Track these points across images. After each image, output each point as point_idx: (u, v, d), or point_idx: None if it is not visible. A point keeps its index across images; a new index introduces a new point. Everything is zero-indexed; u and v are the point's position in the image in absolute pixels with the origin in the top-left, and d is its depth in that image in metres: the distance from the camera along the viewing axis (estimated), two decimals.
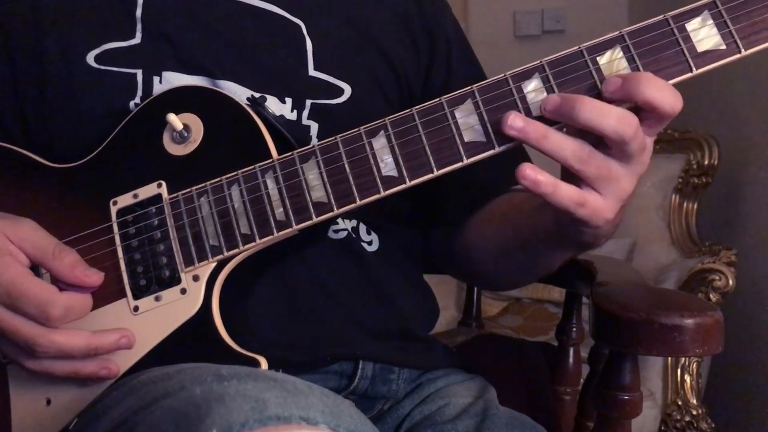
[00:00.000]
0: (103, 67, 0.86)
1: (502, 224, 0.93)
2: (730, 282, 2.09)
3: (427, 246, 1.05)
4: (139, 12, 0.88)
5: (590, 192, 0.70)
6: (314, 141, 0.89)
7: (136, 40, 0.87)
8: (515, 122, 0.69)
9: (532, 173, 0.68)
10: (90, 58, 0.86)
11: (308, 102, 0.90)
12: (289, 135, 0.81)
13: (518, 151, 0.71)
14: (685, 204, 2.47)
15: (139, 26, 0.87)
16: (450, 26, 1.04)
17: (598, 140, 0.69)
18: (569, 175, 0.71)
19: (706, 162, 2.41)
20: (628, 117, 0.67)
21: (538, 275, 0.98)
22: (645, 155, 0.70)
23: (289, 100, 0.89)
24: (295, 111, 0.89)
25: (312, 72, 0.91)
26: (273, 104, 0.87)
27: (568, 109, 0.68)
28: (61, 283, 0.75)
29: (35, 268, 0.76)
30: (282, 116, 0.88)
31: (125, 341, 0.75)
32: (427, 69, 1.00)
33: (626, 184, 0.70)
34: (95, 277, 0.76)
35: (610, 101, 0.68)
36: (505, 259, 0.95)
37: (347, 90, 0.92)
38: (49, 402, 0.77)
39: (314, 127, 0.90)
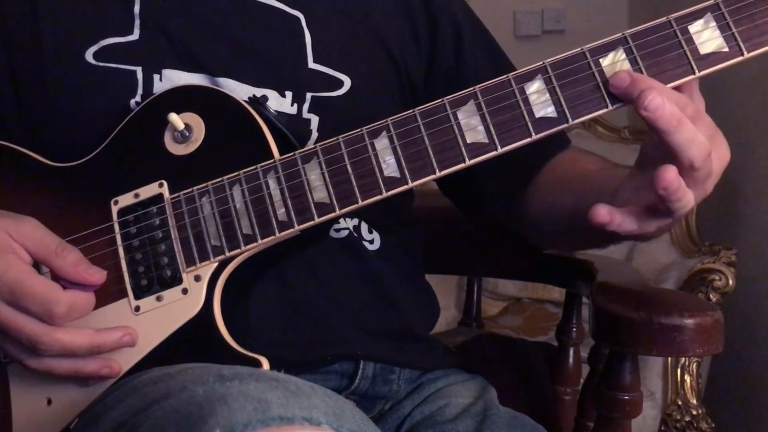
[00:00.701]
0: (102, 64, 0.86)
1: (562, 193, 0.91)
2: (730, 282, 2.09)
3: (489, 210, 1.03)
4: (137, 8, 0.88)
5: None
6: (315, 134, 0.89)
7: (134, 36, 0.87)
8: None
9: (607, 217, 0.69)
10: (89, 55, 0.86)
11: (308, 95, 0.89)
12: (289, 129, 0.81)
13: (520, 158, 0.71)
14: None
15: (137, 22, 0.87)
16: (459, 12, 1.03)
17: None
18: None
19: None
20: (705, 144, 0.67)
21: (592, 244, 0.96)
22: (710, 182, 0.71)
23: (289, 94, 0.89)
24: (295, 104, 0.89)
25: (311, 65, 0.91)
26: (273, 98, 0.87)
27: (671, 123, 0.66)
28: (64, 282, 0.75)
29: (37, 266, 0.75)
30: (284, 114, 0.88)
31: (128, 339, 0.75)
32: (430, 56, 0.99)
33: (715, 180, 0.72)
34: (98, 275, 0.76)
35: (617, 98, 0.69)
36: (565, 232, 0.94)
37: (347, 82, 0.92)
38: (49, 402, 0.77)
39: (315, 121, 0.89)
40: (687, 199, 0.68)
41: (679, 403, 2.11)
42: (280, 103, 0.88)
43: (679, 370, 2.12)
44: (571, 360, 1.11)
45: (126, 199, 0.79)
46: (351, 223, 0.92)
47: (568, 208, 0.87)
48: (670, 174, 0.66)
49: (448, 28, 1.00)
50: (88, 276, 0.75)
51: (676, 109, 0.67)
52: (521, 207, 0.98)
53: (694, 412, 2.11)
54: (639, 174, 0.74)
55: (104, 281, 0.76)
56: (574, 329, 1.11)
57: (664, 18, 0.71)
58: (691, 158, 0.67)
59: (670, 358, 2.07)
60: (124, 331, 0.75)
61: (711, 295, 2.09)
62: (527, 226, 1.00)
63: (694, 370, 2.12)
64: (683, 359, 2.09)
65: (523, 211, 0.98)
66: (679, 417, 2.11)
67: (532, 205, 0.96)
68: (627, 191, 0.74)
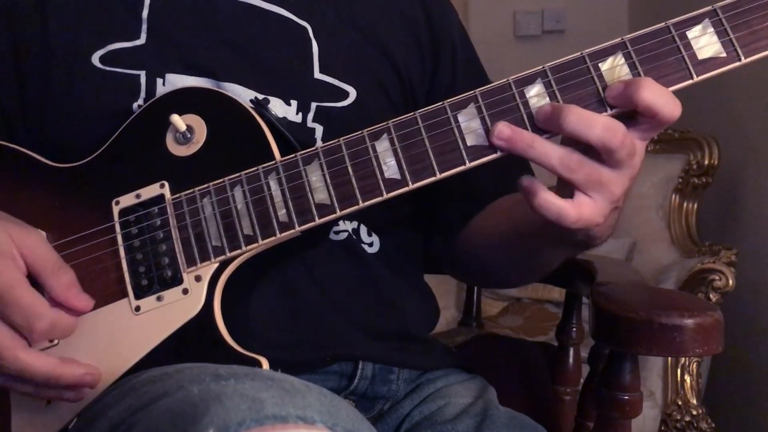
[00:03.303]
0: (107, 68, 0.86)
1: (501, 219, 0.93)
2: (730, 282, 2.09)
3: (428, 248, 1.05)
4: (145, 12, 0.88)
5: (579, 197, 0.70)
6: (319, 144, 0.89)
7: (141, 40, 0.87)
8: (502, 132, 0.70)
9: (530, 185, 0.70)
10: (95, 59, 0.86)
11: (313, 105, 0.90)
12: (293, 137, 0.81)
13: (518, 158, 0.72)
14: (685, 204, 2.47)
15: (144, 27, 0.88)
16: (456, 32, 1.04)
17: (588, 147, 0.69)
18: (563, 182, 0.71)
19: (706, 162, 2.42)
20: (613, 126, 0.67)
21: (538, 273, 0.98)
22: (636, 159, 0.70)
23: (294, 103, 0.89)
24: (300, 113, 0.89)
25: (317, 75, 0.91)
26: (278, 106, 0.88)
27: (556, 118, 0.69)
28: (52, 301, 0.74)
29: (32, 281, 0.75)
30: (286, 118, 0.88)
31: (89, 379, 0.74)
32: (431, 74, 1.00)
33: (616, 188, 0.70)
34: (85, 303, 0.75)
35: (613, 106, 0.69)
36: (503, 254, 0.95)
37: (352, 93, 0.92)
38: (49, 401, 0.77)
39: (319, 130, 0.90)
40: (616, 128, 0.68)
41: (679, 403, 2.12)
42: (285, 110, 0.88)
43: (679, 370, 2.12)
44: (571, 360, 1.11)
45: (127, 200, 0.80)
46: (350, 225, 0.92)
47: (509, 232, 0.90)
48: (497, 126, 0.70)
49: (448, 50, 1.01)
50: (76, 301, 0.74)
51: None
52: (465, 241, 1.00)
53: (694, 412, 2.11)
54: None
55: (101, 278, 0.76)
56: (574, 329, 1.11)
57: (663, 23, 0.71)
58: (597, 138, 0.68)
59: (670, 358, 2.08)
60: (88, 370, 0.74)
61: (711, 295, 2.09)
62: (469, 261, 1.02)
63: (694, 370, 2.12)
64: (683, 359, 2.09)
65: (466, 244, 1.00)
66: (679, 417, 2.11)
67: (476, 237, 0.98)
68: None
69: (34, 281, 0.74)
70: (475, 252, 0.99)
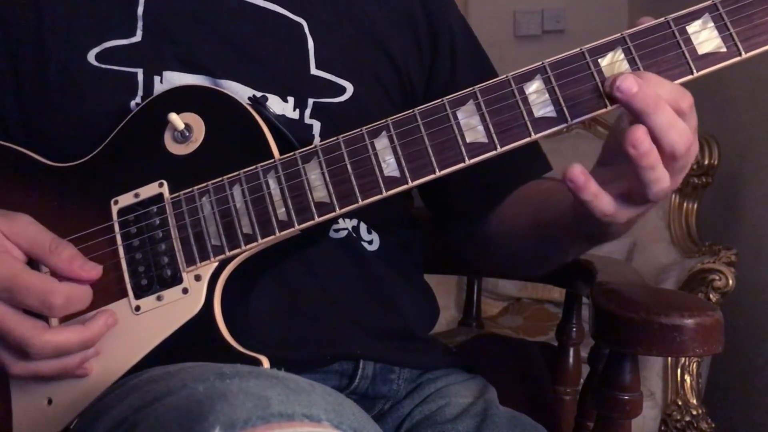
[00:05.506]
0: (104, 66, 0.86)
1: (523, 206, 0.93)
2: (730, 282, 2.09)
3: (447, 237, 1.05)
4: (140, 10, 0.88)
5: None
6: (317, 140, 0.89)
7: (137, 38, 0.87)
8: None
9: (582, 177, 0.68)
10: (91, 57, 0.86)
11: (310, 101, 0.90)
12: (291, 134, 0.81)
13: (533, 148, 0.71)
14: (685, 204, 2.47)
15: (140, 24, 0.87)
16: (456, 25, 1.03)
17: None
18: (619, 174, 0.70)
19: (706, 162, 2.41)
20: (687, 133, 0.67)
21: (550, 263, 0.97)
22: (683, 174, 0.71)
23: (291, 99, 0.89)
24: (297, 110, 0.89)
25: (314, 71, 0.91)
26: (275, 103, 0.87)
27: (647, 104, 0.66)
28: (60, 278, 0.74)
29: (32, 264, 0.75)
30: (284, 115, 0.88)
31: (112, 320, 0.75)
32: (430, 68, 1.00)
33: (662, 194, 0.70)
34: (93, 272, 0.75)
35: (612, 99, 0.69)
36: (529, 242, 0.95)
37: (349, 89, 0.92)
38: (50, 402, 0.77)
39: (317, 126, 0.90)
40: (661, 175, 0.68)
41: (679, 403, 2.12)
42: (282, 107, 0.88)
43: (679, 370, 2.12)
44: (571, 360, 1.11)
45: (126, 199, 0.79)
46: (350, 223, 0.92)
47: (529, 219, 0.89)
48: (639, 131, 0.66)
49: (447, 42, 1.01)
50: (82, 272, 0.74)
51: (652, 91, 0.67)
52: (487, 226, 0.99)
53: (694, 412, 2.11)
54: (601, 170, 0.73)
55: (100, 278, 0.76)
56: (574, 329, 1.11)
57: (663, 18, 0.71)
58: (672, 143, 0.67)
59: (670, 358, 2.07)
60: (105, 315, 0.75)
61: (711, 295, 2.09)
62: (491, 247, 1.02)
63: (694, 370, 2.12)
64: (683, 359, 2.09)
65: (487, 230, 0.99)
66: (679, 417, 2.11)
67: (496, 223, 0.98)
68: None
69: (37, 267, 0.75)
70: (499, 241, 0.99)
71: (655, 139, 0.67)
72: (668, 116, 0.67)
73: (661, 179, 0.68)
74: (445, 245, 1.06)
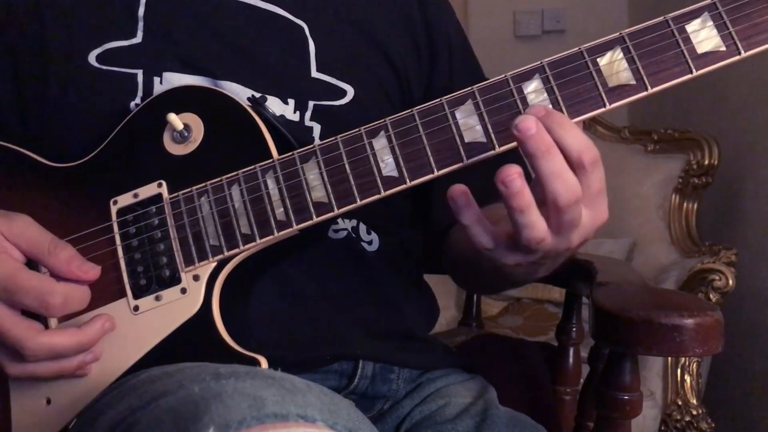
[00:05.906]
0: (104, 67, 0.86)
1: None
2: (730, 282, 2.09)
3: (424, 247, 1.05)
4: (141, 11, 0.88)
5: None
6: (317, 142, 0.89)
7: (138, 39, 0.87)
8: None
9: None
10: (92, 58, 0.86)
11: (311, 103, 0.90)
12: (291, 136, 0.81)
13: (516, 161, 0.69)
14: (685, 204, 2.47)
15: (140, 25, 0.87)
16: (453, 32, 1.04)
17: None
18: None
19: (706, 162, 2.41)
20: (574, 186, 0.65)
21: (494, 289, 0.97)
22: (576, 236, 0.68)
23: (291, 101, 0.89)
24: (297, 112, 0.89)
25: (315, 74, 0.91)
26: (275, 105, 0.87)
27: (538, 148, 0.64)
28: (58, 279, 0.74)
29: (31, 264, 0.75)
30: (283, 117, 0.88)
31: (109, 325, 0.75)
32: (429, 72, 1.00)
33: (583, 236, 0.68)
34: (92, 272, 0.76)
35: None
36: (463, 267, 0.95)
37: (350, 92, 0.92)
38: (49, 401, 0.77)
39: (317, 129, 0.90)
40: (532, 221, 0.65)
41: (679, 403, 2.11)
42: (282, 109, 0.88)
43: (679, 370, 2.12)
44: (571, 360, 1.11)
45: (125, 199, 0.79)
46: (349, 223, 0.92)
47: (463, 244, 0.87)
48: (512, 169, 0.63)
49: (445, 45, 1.01)
50: (80, 273, 0.75)
51: (547, 138, 0.64)
52: (446, 244, 0.99)
53: (694, 412, 2.11)
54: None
55: (99, 278, 0.76)
56: (574, 329, 1.11)
57: (662, 17, 0.71)
58: (555, 193, 0.64)
59: (670, 358, 2.07)
60: (102, 319, 0.75)
61: (711, 295, 2.09)
62: (451, 265, 1.02)
63: (694, 370, 2.12)
64: (683, 359, 2.09)
65: (446, 248, 0.99)
66: (679, 417, 2.11)
67: (450, 239, 0.98)
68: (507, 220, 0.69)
69: (36, 267, 0.75)
70: (454, 258, 0.99)
71: (541, 185, 0.65)
72: (558, 165, 0.64)
73: (533, 226, 0.65)
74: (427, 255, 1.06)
